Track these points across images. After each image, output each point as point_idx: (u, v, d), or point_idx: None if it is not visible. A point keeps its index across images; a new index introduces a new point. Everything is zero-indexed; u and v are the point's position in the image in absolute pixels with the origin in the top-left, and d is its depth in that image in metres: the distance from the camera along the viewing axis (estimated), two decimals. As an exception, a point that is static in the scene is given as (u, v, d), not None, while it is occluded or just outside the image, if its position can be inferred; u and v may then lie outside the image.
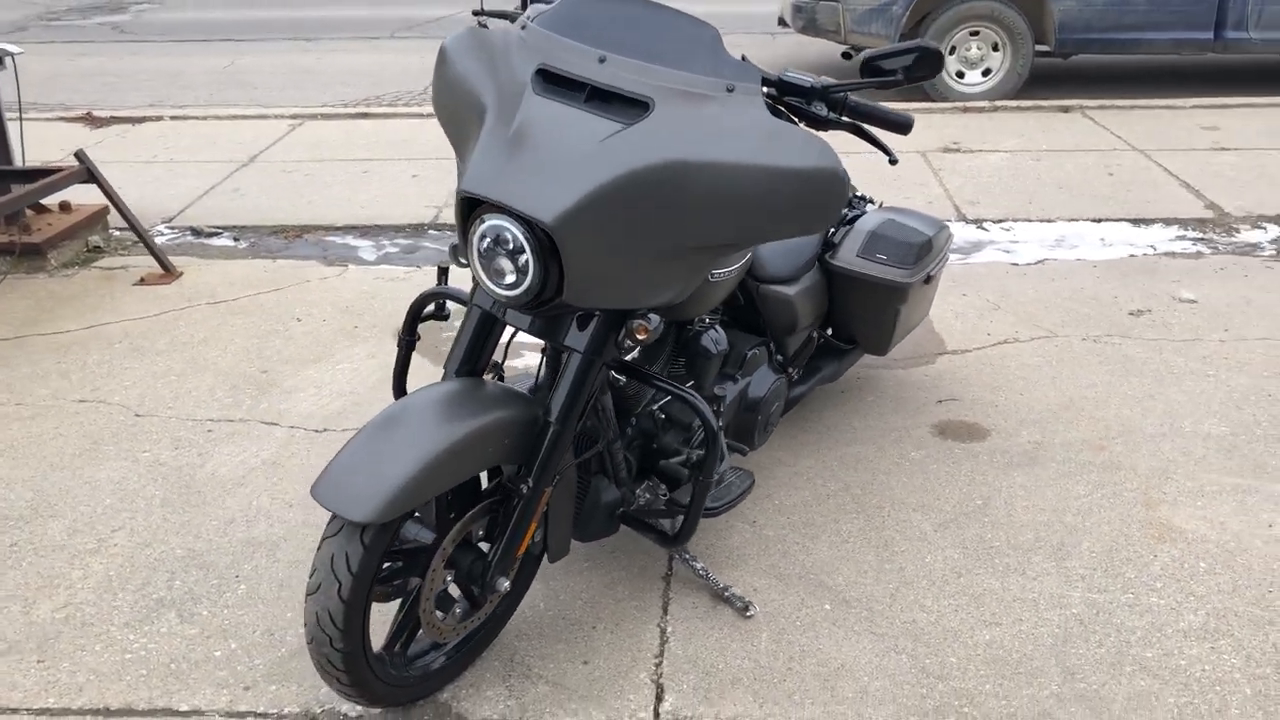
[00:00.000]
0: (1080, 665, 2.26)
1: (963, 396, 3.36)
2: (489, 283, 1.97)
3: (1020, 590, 2.49)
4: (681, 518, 2.33)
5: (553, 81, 1.98)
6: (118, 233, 4.87)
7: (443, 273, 2.66)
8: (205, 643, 2.38)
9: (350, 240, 4.89)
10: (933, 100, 7.05)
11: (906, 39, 6.98)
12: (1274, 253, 4.50)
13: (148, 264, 4.49)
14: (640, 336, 2.05)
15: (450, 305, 2.51)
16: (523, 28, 2.11)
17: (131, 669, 2.30)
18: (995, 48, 7.09)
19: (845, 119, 2.07)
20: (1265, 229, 4.76)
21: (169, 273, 4.43)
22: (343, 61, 9.28)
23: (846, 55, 7.75)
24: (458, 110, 2.11)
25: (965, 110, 6.87)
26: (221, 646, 2.37)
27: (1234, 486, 2.86)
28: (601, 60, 1.97)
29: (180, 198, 5.43)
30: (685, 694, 2.21)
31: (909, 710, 2.16)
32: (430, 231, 4.97)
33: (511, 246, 1.91)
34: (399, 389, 2.55)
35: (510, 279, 1.94)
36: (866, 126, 2.13)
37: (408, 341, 2.49)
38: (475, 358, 2.18)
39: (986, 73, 7.14)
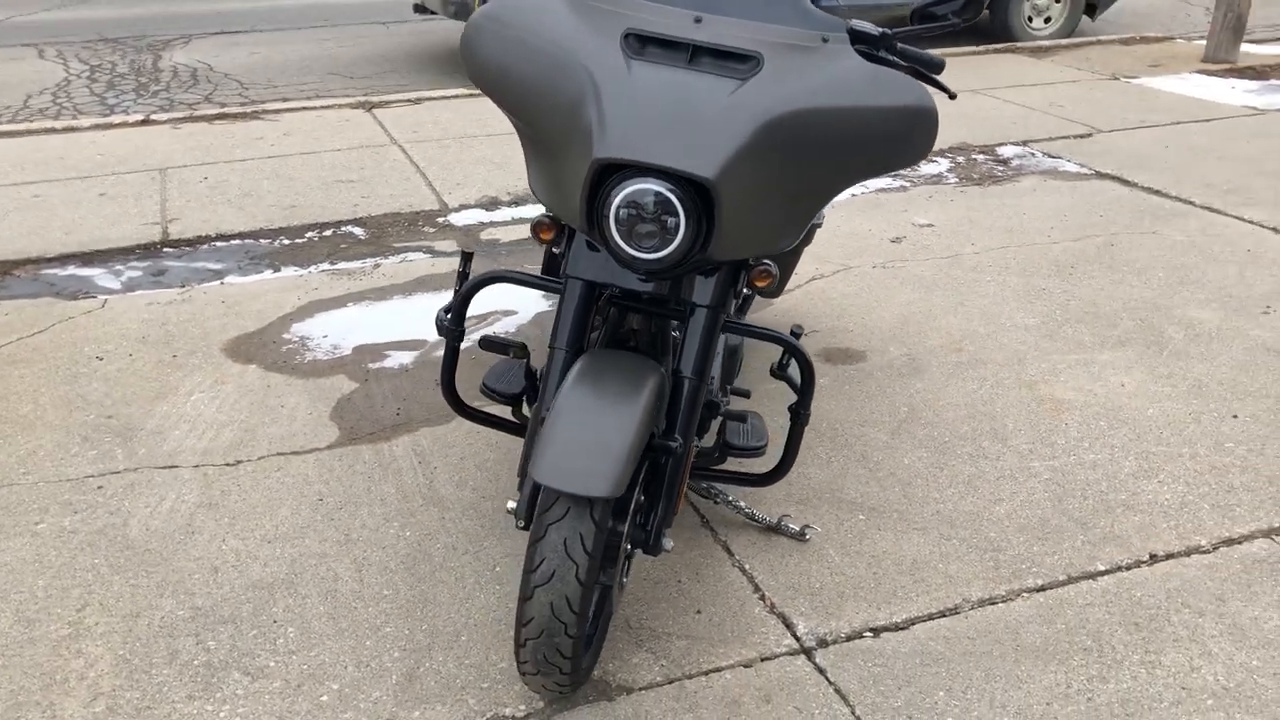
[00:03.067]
0: (1084, 515, 2.69)
1: (819, 328, 3.71)
2: (630, 250, 1.98)
3: (995, 470, 2.88)
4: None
5: (647, 44, 2.02)
6: None
7: (467, 258, 2.56)
8: (300, 691, 2.15)
9: (76, 270, 4.32)
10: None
11: None
12: (956, 180, 5.31)
13: None
14: (760, 284, 2.15)
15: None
16: None
17: (246, 738, 2.05)
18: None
19: (904, 62, 2.29)
20: (938, 162, 5.59)
21: (-107, 329, 3.69)
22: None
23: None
24: (527, 82, 2.07)
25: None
26: (323, 689, 2.16)
27: (1075, 361, 3.45)
28: (698, 20, 2.04)
29: None
30: (809, 616, 2.36)
31: (992, 580, 2.46)
32: (166, 250, 4.51)
33: (658, 209, 1.93)
34: (450, 390, 2.43)
35: (655, 242, 1.97)
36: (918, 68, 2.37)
37: (457, 334, 2.38)
38: (582, 332, 2.16)
39: (1048, 20, 8.08)
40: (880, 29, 2.23)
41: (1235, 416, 3.12)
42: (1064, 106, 6.53)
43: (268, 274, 4.19)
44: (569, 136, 2.01)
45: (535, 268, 4.24)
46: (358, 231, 4.65)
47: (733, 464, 2.84)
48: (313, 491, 2.81)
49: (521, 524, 2.10)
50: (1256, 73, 7.33)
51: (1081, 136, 5.93)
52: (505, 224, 4.75)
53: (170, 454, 2.96)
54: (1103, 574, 2.48)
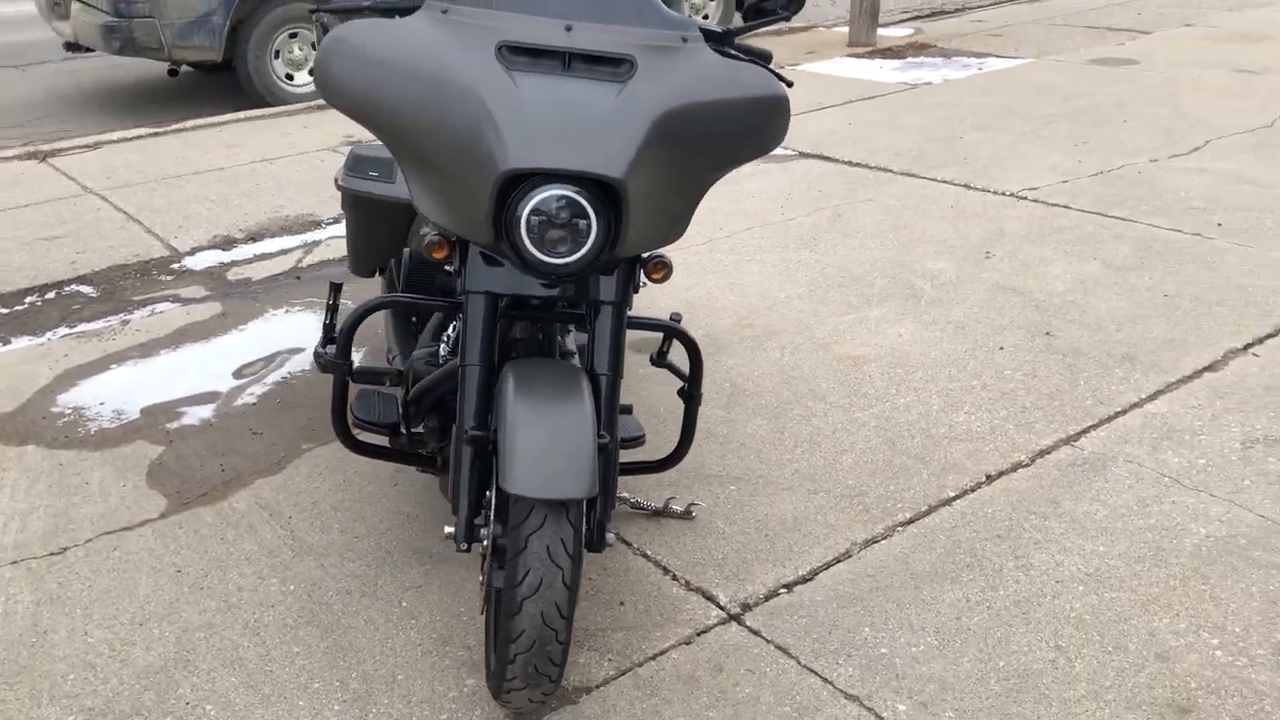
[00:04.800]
0: (919, 451, 2.97)
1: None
2: (543, 256, 2.01)
3: (828, 426, 3.12)
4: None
5: (522, 54, 2.06)
6: None
7: (337, 289, 2.46)
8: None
9: None
10: (270, 104, 7.09)
11: (228, 45, 6.92)
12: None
13: None
14: (656, 276, 2.24)
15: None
16: (444, 11, 2.12)
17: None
18: (315, 47, 7.33)
19: (745, 56, 2.44)
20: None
21: None
22: None
23: (172, 72, 7.38)
24: (405, 105, 2.06)
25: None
26: None
27: (852, 321, 3.78)
28: (568, 28, 2.10)
29: None
30: (725, 586, 2.47)
31: (867, 522, 2.68)
32: None
33: (568, 214, 1.98)
34: (343, 428, 2.34)
35: (567, 246, 2.01)
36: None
37: (344, 368, 2.29)
38: (492, 345, 2.16)
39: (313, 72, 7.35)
40: (723, 27, 2.37)
41: (1002, 348, 3.54)
42: (749, 95, 7.01)
43: None
44: (463, 153, 2.00)
45: (300, 304, 4.08)
46: (86, 290, 4.26)
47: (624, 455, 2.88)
48: (166, 564, 2.60)
49: (464, 546, 2.08)
50: (895, 53, 8.19)
51: (775, 121, 6.40)
52: (251, 261, 4.52)
53: (-24, 555, 2.64)
54: (955, 499, 2.77)
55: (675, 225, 2.18)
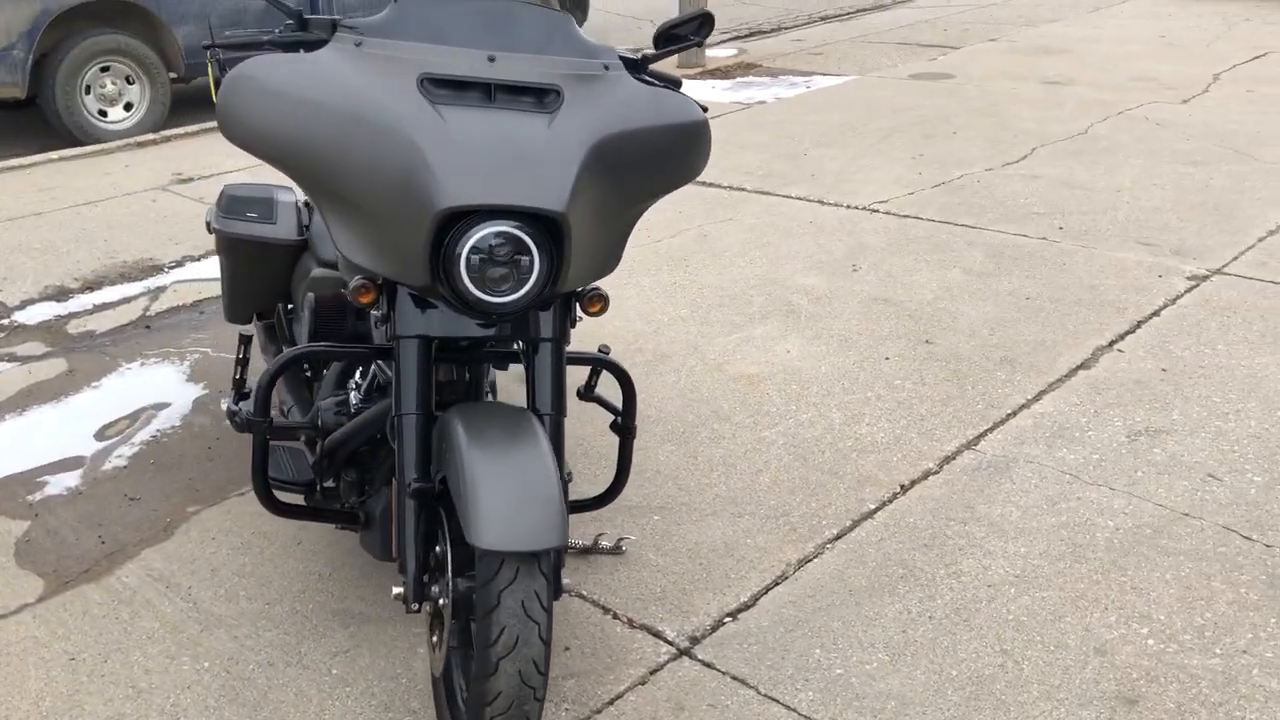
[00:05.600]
0: (832, 466, 2.99)
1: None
2: (484, 295, 1.93)
3: (739, 447, 3.11)
4: None
5: (444, 87, 1.99)
6: None
7: (246, 341, 2.29)
8: None
9: None
10: (82, 142, 6.66)
11: (33, 80, 6.48)
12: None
13: None
14: (594, 310, 2.17)
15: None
16: (357, 44, 2.03)
17: None
18: (130, 80, 6.94)
19: (659, 83, 2.40)
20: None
21: None
22: None
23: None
24: (322, 145, 1.95)
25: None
26: None
27: (739, 340, 3.80)
28: (491, 59, 2.04)
29: None
30: (669, 620, 2.42)
31: (797, 541, 2.68)
32: None
33: (510, 250, 1.91)
34: (265, 490, 2.18)
35: (509, 284, 1.94)
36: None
37: (265, 426, 2.14)
38: (429, 391, 2.06)
39: (129, 107, 6.95)
40: (639, 53, 2.34)
41: (887, 359, 3.62)
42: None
43: None
44: (393, 192, 1.90)
45: (155, 355, 3.83)
46: (-95, 354, 3.88)
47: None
48: (57, 652, 2.37)
49: (415, 607, 1.97)
50: (724, 73, 8.34)
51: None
52: (91, 312, 4.22)
53: None
54: (875, 511, 2.80)
55: (610, 257, 2.13)
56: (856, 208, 5.12)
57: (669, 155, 2.14)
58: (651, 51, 2.32)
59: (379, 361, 2.35)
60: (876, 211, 5.06)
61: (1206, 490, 2.83)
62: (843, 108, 7.07)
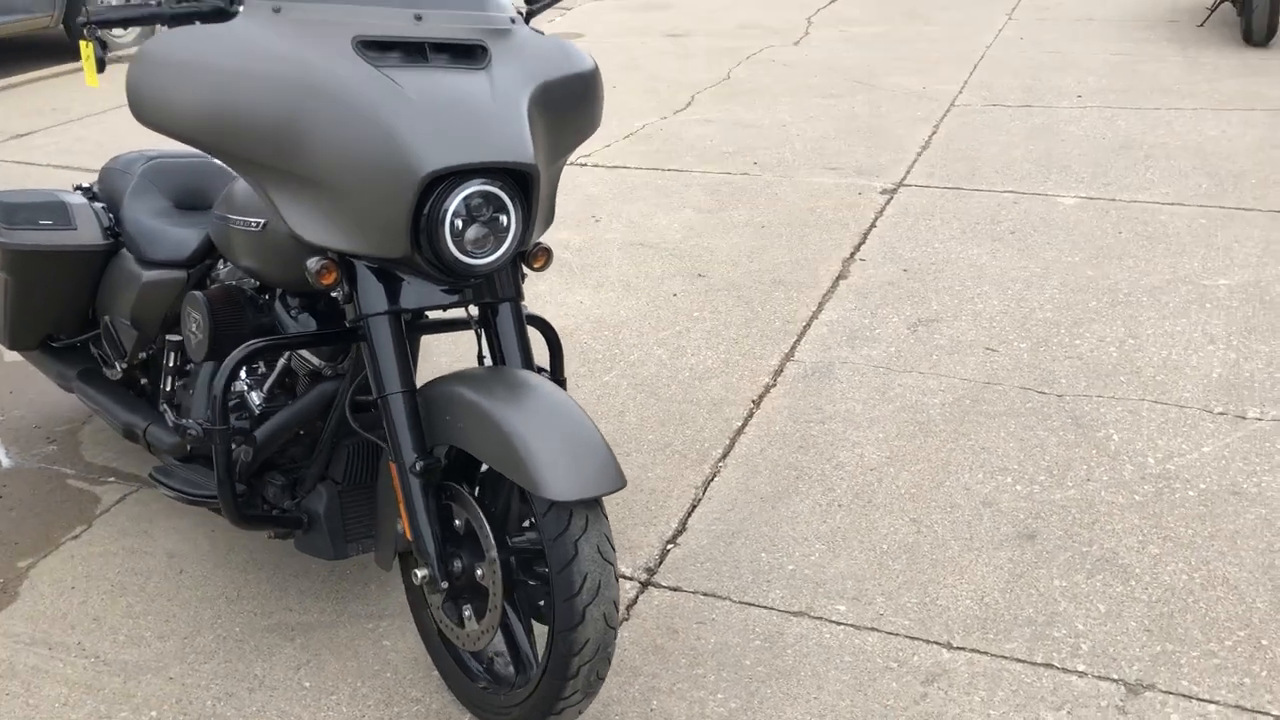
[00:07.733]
0: (690, 393, 3.16)
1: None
2: (466, 258, 1.91)
3: (599, 388, 3.18)
4: None
5: (377, 48, 1.93)
6: None
7: (175, 347, 2.06)
8: None
9: None
10: None
11: None
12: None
13: None
14: (538, 264, 2.17)
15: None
16: (276, 10, 1.91)
17: None
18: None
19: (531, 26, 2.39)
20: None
21: None
22: None
23: None
24: (263, 120, 1.85)
25: None
26: None
27: (528, 299, 3.83)
28: (419, 18, 2.00)
29: None
30: (624, 559, 2.49)
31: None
32: None
33: (491, 208, 1.91)
34: (233, 503, 1.99)
35: (489, 245, 1.93)
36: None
37: (226, 433, 1.95)
38: (409, 367, 1.99)
39: None
40: (518, 8, 2.33)
41: (675, 295, 3.82)
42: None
43: None
44: (361, 164, 1.82)
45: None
46: None
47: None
48: (-39, 745, 2.04)
49: (444, 585, 1.92)
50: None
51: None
52: None
53: None
54: (743, 427, 3.00)
55: (552, 210, 2.16)
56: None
57: (581, 101, 2.17)
58: (535, 5, 2.33)
59: (300, 353, 2.21)
60: (585, 165, 5.23)
61: (992, 361, 3.29)
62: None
